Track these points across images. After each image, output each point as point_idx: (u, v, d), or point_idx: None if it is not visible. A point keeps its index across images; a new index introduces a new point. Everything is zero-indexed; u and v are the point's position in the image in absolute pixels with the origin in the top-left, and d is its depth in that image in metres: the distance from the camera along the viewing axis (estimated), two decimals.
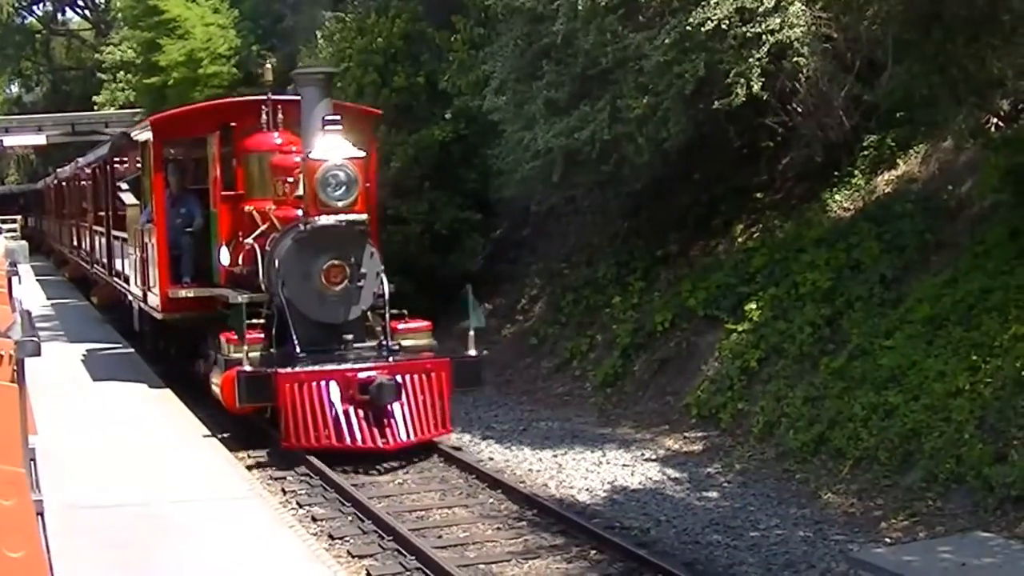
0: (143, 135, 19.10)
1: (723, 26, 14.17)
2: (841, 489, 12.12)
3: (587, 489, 13.21)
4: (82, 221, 32.49)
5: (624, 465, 13.97)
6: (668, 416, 15.78)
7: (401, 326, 15.46)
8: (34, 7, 68.21)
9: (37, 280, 36.53)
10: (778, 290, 15.40)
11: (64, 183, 39.01)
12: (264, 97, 17.40)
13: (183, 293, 17.59)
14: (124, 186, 21.81)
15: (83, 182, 32.17)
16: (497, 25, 19.04)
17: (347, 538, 11.49)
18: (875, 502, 11.63)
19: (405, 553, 10.83)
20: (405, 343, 15.31)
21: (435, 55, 22.70)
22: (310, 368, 14.41)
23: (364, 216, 15.22)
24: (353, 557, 10.94)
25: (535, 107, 16.76)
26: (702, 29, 14.16)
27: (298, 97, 16.08)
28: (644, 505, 12.51)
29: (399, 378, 14.31)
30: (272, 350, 15.05)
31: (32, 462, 6.16)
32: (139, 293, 19.90)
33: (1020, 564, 9.08)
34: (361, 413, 14.21)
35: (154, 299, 18.30)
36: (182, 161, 19.55)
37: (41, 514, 7.02)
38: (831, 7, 14.65)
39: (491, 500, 12.78)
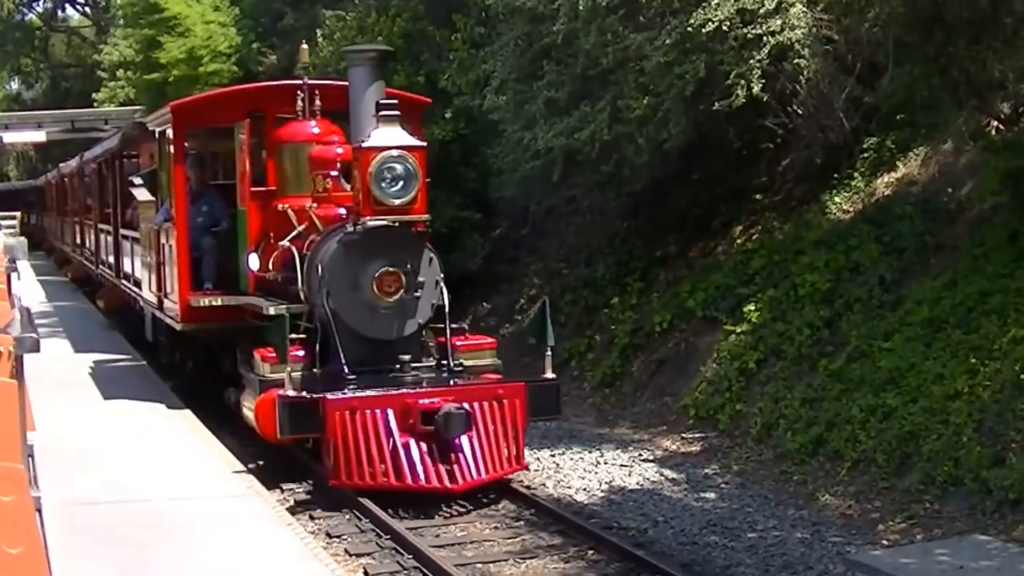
0: (161, 124, 17.17)
1: (724, 27, 14.18)
2: (839, 491, 12.12)
3: (585, 489, 13.20)
4: (86, 218, 31.25)
5: (622, 465, 13.97)
6: (666, 417, 15.78)
7: (461, 342, 13.68)
8: (34, 4, 68.37)
9: (38, 280, 35.49)
10: (777, 292, 15.40)
11: (67, 178, 37.65)
12: (299, 81, 15.63)
13: (206, 301, 15.50)
14: (138, 181, 19.85)
15: (88, 177, 30.87)
16: (497, 24, 19.04)
17: (345, 536, 11.48)
18: (873, 504, 11.63)
19: (402, 552, 10.82)
20: (467, 362, 13.51)
21: (435, 54, 22.69)
22: (363, 393, 12.43)
23: (426, 216, 13.52)
24: (351, 555, 10.93)
25: (535, 107, 16.75)
26: (703, 30, 14.16)
27: (337, 82, 14.88)
28: (642, 505, 12.50)
29: (467, 405, 12.40)
30: (316, 370, 13.12)
31: (31, 458, 6.16)
32: (153, 299, 17.95)
33: (1018, 567, 9.08)
34: (424, 447, 12.21)
35: (172, 307, 16.45)
36: (202, 153, 17.88)
37: (40, 510, 7.00)
38: (832, 9, 14.67)
39: (488, 499, 12.76)
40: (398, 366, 13.08)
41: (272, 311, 13.65)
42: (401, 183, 12.94)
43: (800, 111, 16.07)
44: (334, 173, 14.27)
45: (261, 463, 13.76)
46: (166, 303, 16.96)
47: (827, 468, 12.60)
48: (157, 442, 13.70)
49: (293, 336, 13.02)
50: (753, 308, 15.49)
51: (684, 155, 16.99)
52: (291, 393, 12.24)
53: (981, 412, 11.35)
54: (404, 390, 12.58)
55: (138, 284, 20.02)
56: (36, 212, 57.59)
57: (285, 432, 12.26)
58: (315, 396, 12.30)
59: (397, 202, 12.96)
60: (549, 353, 13.41)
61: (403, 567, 10.50)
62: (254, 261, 14.78)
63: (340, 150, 14.39)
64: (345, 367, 12.89)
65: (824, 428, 12.97)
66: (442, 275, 13.53)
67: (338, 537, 11.43)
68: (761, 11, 14.24)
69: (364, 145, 13.01)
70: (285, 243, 14.27)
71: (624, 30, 15.33)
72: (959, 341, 12.37)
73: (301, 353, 13.09)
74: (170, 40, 33.43)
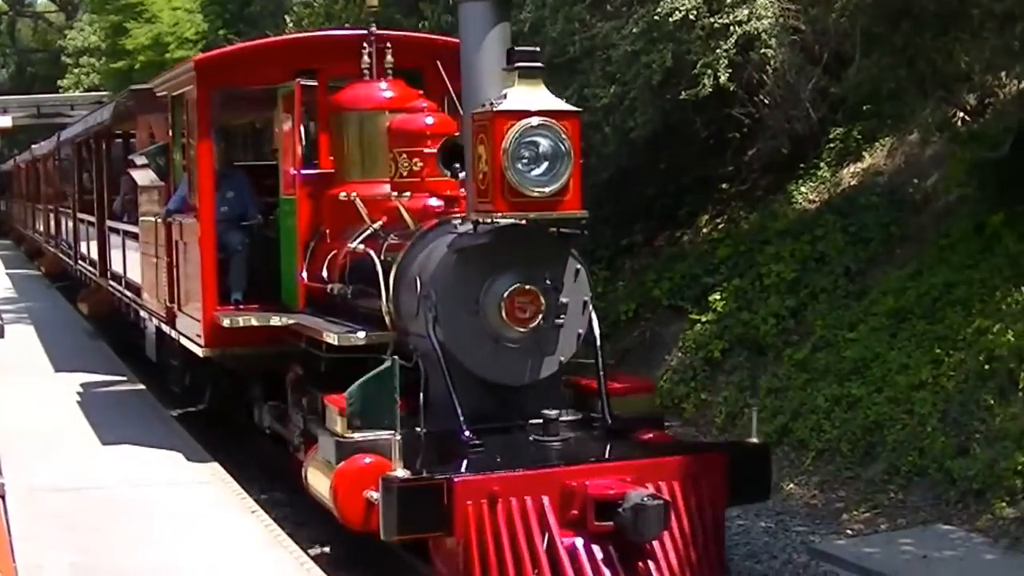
0: (177, 87, 13.43)
1: (691, 16, 14.18)
2: (803, 480, 12.14)
3: None
4: (63, 206, 27.95)
5: None
6: None
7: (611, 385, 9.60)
8: None
9: (7, 274, 33.77)
10: (742, 281, 15.40)
11: (40, 162, 34.48)
12: (364, 31, 12.16)
13: (241, 321, 11.86)
14: (140, 160, 16.08)
15: (66, 160, 27.43)
16: None
17: (309, 523, 11.40)
18: (837, 494, 11.66)
19: (369, 541, 10.72)
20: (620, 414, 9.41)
21: None
22: (505, 472, 8.10)
23: (582, 213, 8.93)
24: (315, 542, 10.87)
25: None
26: (670, 19, 14.16)
27: (413, 33, 13.09)
28: None
29: (652, 487, 8.13)
30: (420, 429, 8.95)
31: None
32: (159, 310, 14.39)
33: (981, 557, 9.14)
34: (599, 553, 7.93)
35: (190, 324, 12.84)
36: (225, 125, 14.65)
37: (3, 496, 6.97)
38: None
39: None
40: (539, 422, 9.07)
41: (336, 339, 10.07)
42: (546, 164, 8.73)
43: (767, 101, 16.07)
44: (427, 150, 10.62)
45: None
46: (181, 318, 13.42)
47: (792, 457, 12.62)
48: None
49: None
50: (719, 297, 15.48)
51: (651, 144, 16.98)
52: (401, 474, 7.93)
53: (945, 402, 11.38)
54: (562, 465, 8.37)
55: (133, 288, 16.68)
56: (4, 198, 56.66)
57: (393, 531, 7.94)
58: (439, 478, 7.95)
59: (539, 191, 8.71)
60: (756, 410, 9.87)
61: (368, 553, 10.44)
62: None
63: (431, 119, 10.81)
64: (464, 427, 8.84)
65: (789, 418, 12.98)
66: (591, 294, 9.63)
67: (303, 524, 11.31)
68: (728, 0, 14.25)
69: (497, 109, 8.74)
70: (358, 245, 10.62)
71: (591, 19, 15.33)
72: (924, 331, 12.40)
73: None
74: (136, 26, 33.31)
